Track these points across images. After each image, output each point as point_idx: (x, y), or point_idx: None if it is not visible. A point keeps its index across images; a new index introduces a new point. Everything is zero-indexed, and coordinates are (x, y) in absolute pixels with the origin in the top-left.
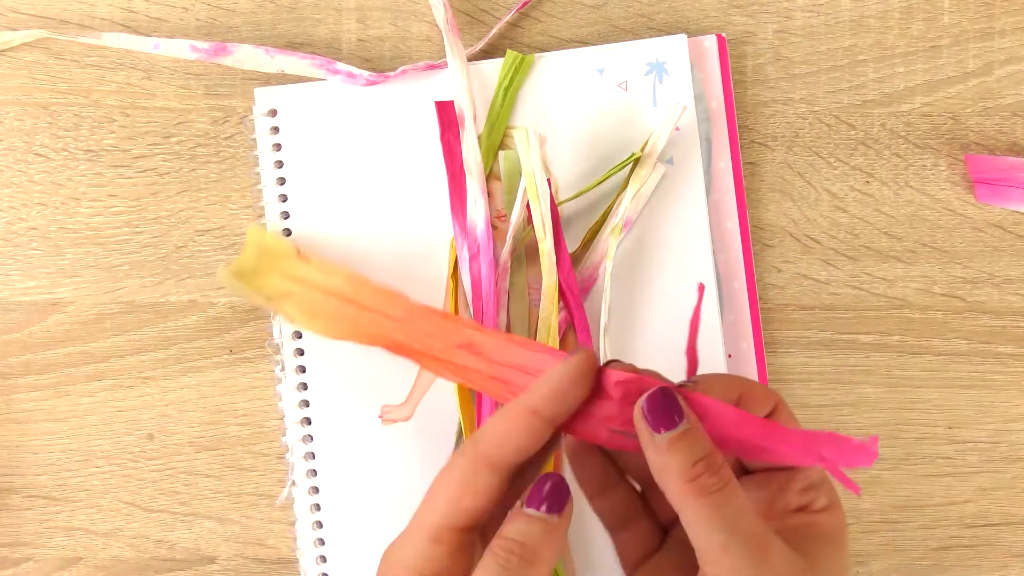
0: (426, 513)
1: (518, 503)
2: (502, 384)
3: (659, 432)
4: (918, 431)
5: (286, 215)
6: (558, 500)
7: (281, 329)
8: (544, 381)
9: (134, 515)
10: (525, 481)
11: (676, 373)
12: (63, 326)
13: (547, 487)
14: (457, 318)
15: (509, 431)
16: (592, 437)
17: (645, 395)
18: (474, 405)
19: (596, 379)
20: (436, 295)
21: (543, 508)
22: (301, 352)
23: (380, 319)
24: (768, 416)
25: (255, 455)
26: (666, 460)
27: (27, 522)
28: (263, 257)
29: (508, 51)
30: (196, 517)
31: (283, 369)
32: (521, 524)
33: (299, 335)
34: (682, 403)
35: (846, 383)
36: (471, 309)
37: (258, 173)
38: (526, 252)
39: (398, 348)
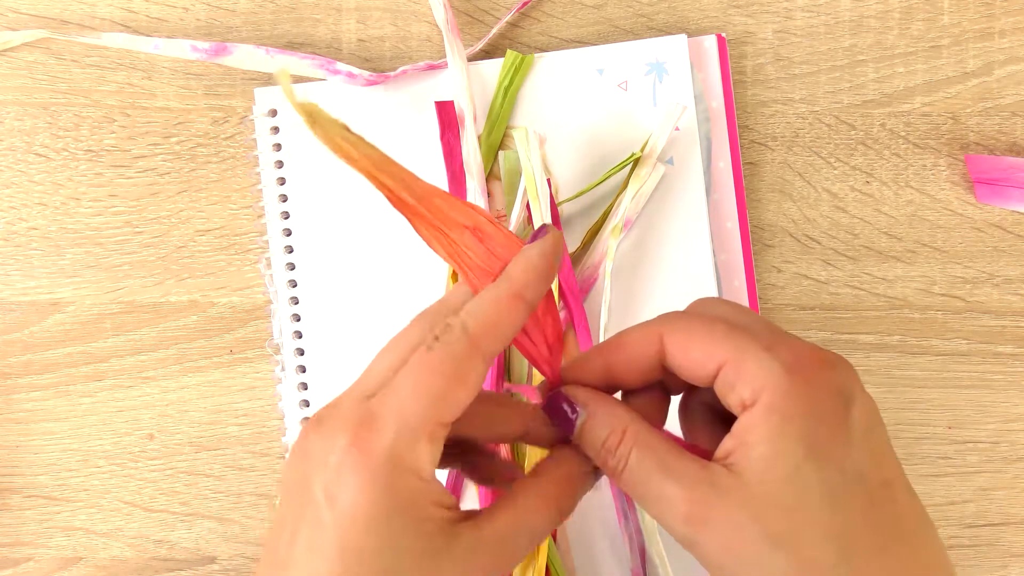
0: (418, 402)
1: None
2: (490, 277)
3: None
4: (918, 431)
5: (286, 215)
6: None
7: (281, 329)
8: (522, 264)
9: (134, 515)
10: None
11: None
12: (63, 326)
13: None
14: (473, 205)
15: (503, 321)
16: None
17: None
18: None
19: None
20: (436, 293)
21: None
22: (301, 352)
23: (395, 178)
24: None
25: (255, 455)
26: (589, 454)
27: (27, 522)
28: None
29: (508, 51)
30: (196, 517)
31: (283, 369)
32: (588, 488)
33: (299, 335)
34: (573, 397)
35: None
36: None
37: (258, 173)
38: None
39: (400, 203)
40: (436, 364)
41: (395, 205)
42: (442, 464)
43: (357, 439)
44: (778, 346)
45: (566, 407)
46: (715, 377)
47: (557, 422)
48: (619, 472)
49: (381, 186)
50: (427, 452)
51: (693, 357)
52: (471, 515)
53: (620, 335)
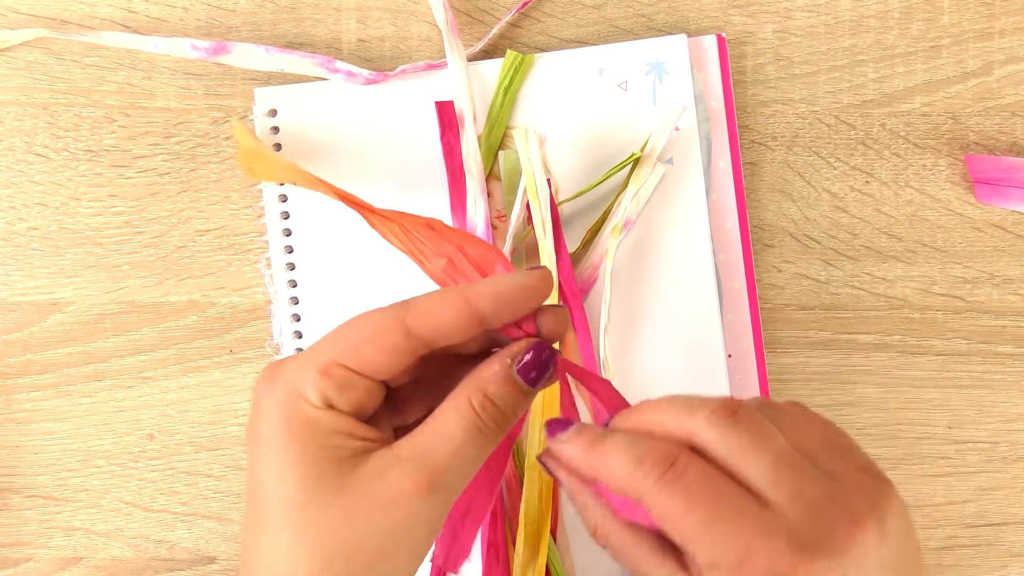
0: (325, 345)
1: (507, 362)
2: (444, 260)
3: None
4: (918, 431)
5: (286, 215)
6: (544, 376)
7: (281, 329)
8: (492, 280)
9: (134, 515)
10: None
11: (675, 373)
12: (63, 326)
13: (541, 360)
14: (431, 219)
15: (438, 309)
16: (511, 335)
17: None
18: None
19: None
20: None
21: (530, 379)
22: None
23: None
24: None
25: None
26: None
27: (27, 522)
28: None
29: (508, 51)
30: (196, 517)
31: None
32: (507, 391)
33: (299, 335)
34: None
35: (846, 383)
36: None
37: None
38: (526, 252)
39: (354, 204)
40: (358, 319)
41: (349, 204)
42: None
43: (268, 374)
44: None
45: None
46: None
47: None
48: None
49: (333, 192)
50: (315, 383)
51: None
52: (392, 440)
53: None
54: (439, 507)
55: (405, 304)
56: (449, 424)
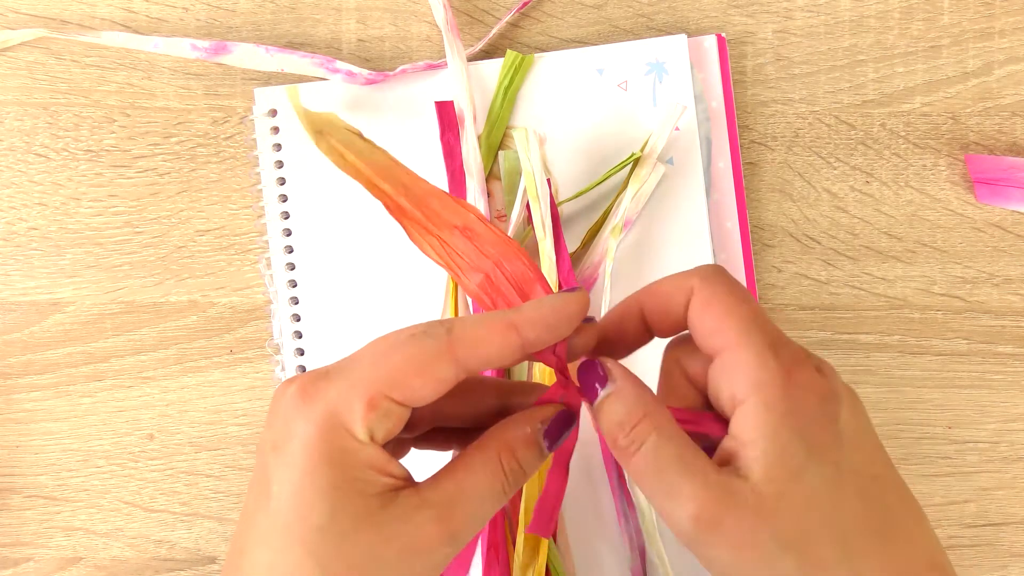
0: (369, 372)
1: (538, 427)
2: (481, 275)
3: (591, 403)
4: (918, 431)
5: (286, 215)
6: (561, 442)
7: (281, 329)
8: (536, 305)
9: (134, 515)
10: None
11: None
12: (63, 326)
13: (565, 427)
14: (466, 204)
15: (487, 339)
16: (544, 359)
17: (577, 367)
18: None
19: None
20: (436, 294)
21: (550, 445)
22: (301, 352)
23: (397, 183)
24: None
25: (255, 455)
26: (601, 427)
27: (27, 522)
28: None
29: (508, 51)
30: (196, 517)
31: (283, 369)
32: (532, 454)
33: (299, 335)
34: (607, 369)
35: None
36: (471, 308)
37: (258, 173)
38: None
39: (396, 209)
40: (403, 347)
41: (392, 212)
42: (432, 446)
43: (303, 391)
44: (780, 347)
45: (597, 374)
46: (712, 355)
47: (584, 388)
48: (630, 454)
49: (380, 194)
50: (361, 414)
51: (706, 325)
52: (416, 483)
53: (656, 282)
54: (448, 558)
55: (448, 331)
56: (476, 477)
